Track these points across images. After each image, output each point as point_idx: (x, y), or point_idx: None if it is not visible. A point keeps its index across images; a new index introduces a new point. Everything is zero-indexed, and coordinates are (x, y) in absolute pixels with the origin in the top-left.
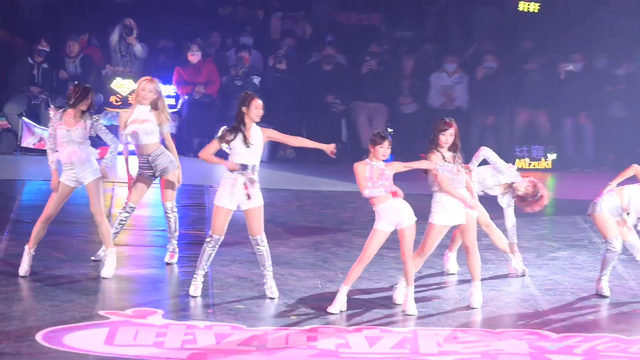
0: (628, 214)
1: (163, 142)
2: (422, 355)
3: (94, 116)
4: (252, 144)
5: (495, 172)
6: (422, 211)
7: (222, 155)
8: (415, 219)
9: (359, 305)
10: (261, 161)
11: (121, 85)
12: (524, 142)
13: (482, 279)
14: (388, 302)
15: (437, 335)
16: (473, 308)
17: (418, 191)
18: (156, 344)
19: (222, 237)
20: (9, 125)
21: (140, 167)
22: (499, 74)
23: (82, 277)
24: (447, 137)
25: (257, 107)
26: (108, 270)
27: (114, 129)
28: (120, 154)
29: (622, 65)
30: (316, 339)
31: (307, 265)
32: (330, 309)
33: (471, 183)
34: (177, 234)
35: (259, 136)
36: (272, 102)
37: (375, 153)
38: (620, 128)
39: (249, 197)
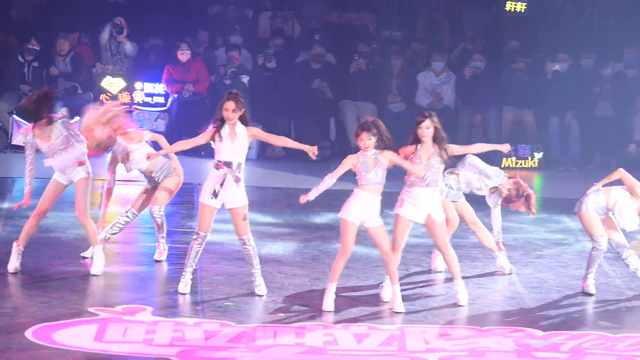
0: (613, 214)
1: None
2: (410, 353)
3: (61, 119)
4: (227, 137)
5: (481, 175)
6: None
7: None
8: (382, 222)
9: (346, 302)
10: (250, 159)
11: (111, 84)
12: (511, 141)
13: (469, 277)
14: (375, 300)
15: (425, 333)
16: (460, 306)
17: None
18: (145, 340)
19: (209, 234)
20: (0, 123)
21: (147, 181)
22: (486, 74)
23: (71, 274)
24: (424, 130)
25: (225, 110)
26: (97, 267)
27: None
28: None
29: (608, 65)
30: (304, 336)
31: (295, 262)
32: (324, 308)
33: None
34: (165, 232)
35: (243, 134)
36: (261, 100)
37: (359, 146)
38: (607, 128)
39: (215, 194)
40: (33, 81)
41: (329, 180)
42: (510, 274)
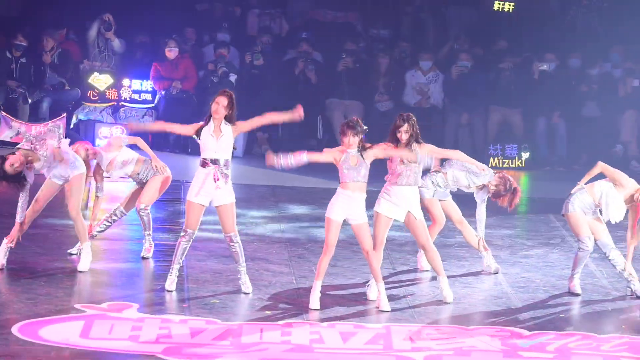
0: (601, 210)
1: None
2: (395, 351)
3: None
4: (212, 135)
5: (467, 173)
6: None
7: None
8: (366, 220)
9: (333, 300)
10: (237, 157)
11: (98, 80)
12: (498, 140)
13: (455, 276)
14: (362, 298)
15: (411, 332)
16: (446, 303)
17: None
18: (131, 337)
19: (196, 232)
20: None
21: (135, 181)
22: (473, 73)
23: (58, 271)
24: (402, 134)
25: (216, 103)
26: (84, 264)
27: (90, 124)
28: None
29: (595, 65)
30: (290, 334)
31: (282, 260)
32: (311, 306)
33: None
34: (151, 230)
35: (228, 131)
36: (249, 98)
37: (343, 143)
38: (594, 127)
39: (217, 186)
40: (20, 77)
41: (303, 158)
42: (496, 273)
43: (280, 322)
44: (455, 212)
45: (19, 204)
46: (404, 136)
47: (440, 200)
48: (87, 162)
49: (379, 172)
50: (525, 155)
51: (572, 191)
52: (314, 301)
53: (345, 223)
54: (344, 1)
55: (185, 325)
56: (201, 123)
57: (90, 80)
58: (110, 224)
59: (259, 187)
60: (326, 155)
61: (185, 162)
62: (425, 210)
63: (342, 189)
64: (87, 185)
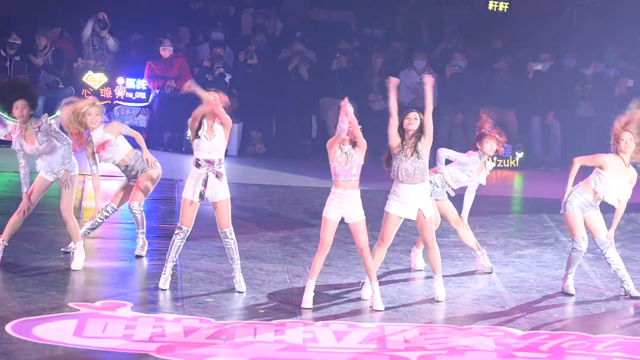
0: (604, 198)
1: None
2: (389, 351)
3: (40, 120)
4: (205, 135)
5: (461, 167)
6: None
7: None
8: (362, 218)
9: (327, 300)
10: (231, 156)
11: (92, 79)
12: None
13: (449, 276)
14: (356, 298)
15: (404, 331)
16: (438, 301)
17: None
18: (125, 336)
19: (190, 229)
20: None
21: (124, 175)
22: (467, 73)
23: (51, 269)
24: (411, 120)
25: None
26: (77, 262)
27: None
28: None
29: (590, 65)
30: (284, 333)
31: (275, 259)
32: (304, 305)
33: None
34: (144, 228)
35: (220, 130)
36: (243, 97)
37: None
38: (588, 127)
39: (201, 196)
40: (15, 75)
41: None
42: (490, 273)
43: (274, 321)
44: (452, 212)
45: (22, 176)
46: (413, 122)
47: (436, 200)
48: (83, 126)
49: (378, 172)
50: (519, 155)
51: (565, 196)
52: (308, 300)
53: (341, 222)
54: (338, 0)
55: (179, 324)
56: (195, 124)
57: (84, 79)
58: (102, 220)
59: (253, 186)
60: (334, 149)
61: (179, 161)
62: None
63: (335, 187)
64: (81, 183)
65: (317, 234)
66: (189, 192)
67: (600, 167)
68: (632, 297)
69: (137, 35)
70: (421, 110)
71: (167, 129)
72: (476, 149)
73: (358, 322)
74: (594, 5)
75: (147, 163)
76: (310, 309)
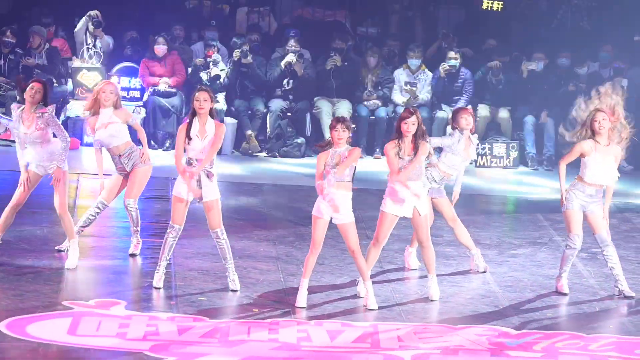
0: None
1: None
2: (383, 350)
3: (46, 108)
4: (197, 135)
5: (449, 150)
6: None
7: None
8: (352, 219)
9: (320, 299)
10: (225, 155)
11: (87, 78)
12: (486, 139)
13: (443, 275)
14: (349, 297)
15: (398, 330)
16: (432, 300)
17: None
18: (119, 334)
19: (182, 227)
20: None
21: (115, 167)
22: (462, 72)
23: (45, 267)
24: (409, 125)
25: (197, 100)
26: (71, 260)
27: (79, 121)
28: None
29: (584, 64)
30: (278, 332)
31: (269, 258)
32: (297, 304)
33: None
34: (139, 226)
35: (212, 131)
36: (237, 96)
37: (332, 138)
38: None
39: (199, 196)
40: (9, 73)
41: (328, 184)
42: (484, 272)
43: (268, 320)
44: (449, 210)
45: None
46: (410, 128)
47: (434, 198)
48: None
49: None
50: (513, 154)
51: (563, 197)
52: (301, 299)
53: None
54: None
55: (173, 323)
56: (186, 122)
57: (78, 77)
58: (94, 217)
59: (246, 185)
60: (320, 163)
61: (172, 159)
62: None
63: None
64: (75, 182)
65: (311, 232)
66: (180, 190)
67: (582, 155)
68: (625, 297)
69: (131, 34)
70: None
71: (161, 128)
72: (454, 128)
73: (352, 321)
74: (589, 5)
75: (142, 157)
76: (304, 308)
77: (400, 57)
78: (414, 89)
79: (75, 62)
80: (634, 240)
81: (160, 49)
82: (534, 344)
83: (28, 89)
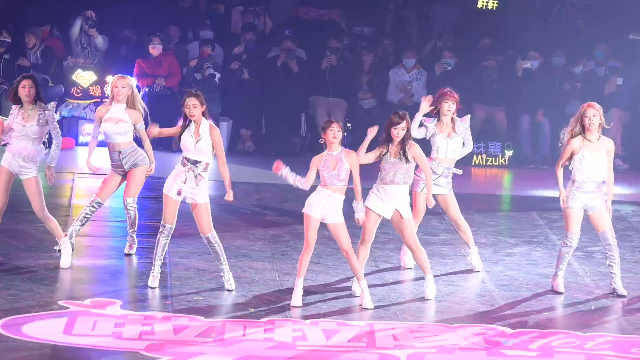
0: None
1: (137, 139)
2: (379, 349)
3: (48, 105)
4: (191, 137)
5: (440, 137)
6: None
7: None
8: (342, 220)
9: (316, 298)
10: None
11: (82, 77)
12: (481, 138)
13: (439, 275)
14: (345, 296)
15: (394, 329)
16: (428, 299)
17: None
18: (114, 334)
19: (173, 226)
20: None
21: (111, 163)
22: (457, 71)
23: (41, 267)
24: (399, 131)
25: (187, 107)
26: (65, 259)
27: (74, 120)
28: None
29: (579, 63)
30: (273, 332)
31: (265, 258)
32: (293, 303)
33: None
34: (136, 227)
35: (206, 134)
36: (232, 96)
37: (327, 138)
38: None
39: (179, 193)
40: (4, 73)
41: (303, 184)
42: (480, 271)
43: (264, 320)
44: (453, 207)
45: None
46: (400, 133)
47: (439, 195)
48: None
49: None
50: (508, 153)
51: (562, 198)
52: (297, 298)
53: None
54: None
55: (169, 322)
56: (183, 124)
57: (73, 77)
58: (90, 216)
59: (242, 185)
60: (313, 167)
61: (169, 159)
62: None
63: (322, 186)
64: (70, 182)
65: None
66: (169, 188)
67: (573, 154)
68: (618, 295)
69: (126, 33)
70: (410, 109)
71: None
72: (437, 114)
73: (347, 320)
74: (584, 3)
75: (144, 156)
76: (299, 307)
77: (395, 56)
78: (409, 88)
79: (70, 62)
80: (630, 239)
81: (156, 48)
82: (530, 343)
83: (20, 88)
